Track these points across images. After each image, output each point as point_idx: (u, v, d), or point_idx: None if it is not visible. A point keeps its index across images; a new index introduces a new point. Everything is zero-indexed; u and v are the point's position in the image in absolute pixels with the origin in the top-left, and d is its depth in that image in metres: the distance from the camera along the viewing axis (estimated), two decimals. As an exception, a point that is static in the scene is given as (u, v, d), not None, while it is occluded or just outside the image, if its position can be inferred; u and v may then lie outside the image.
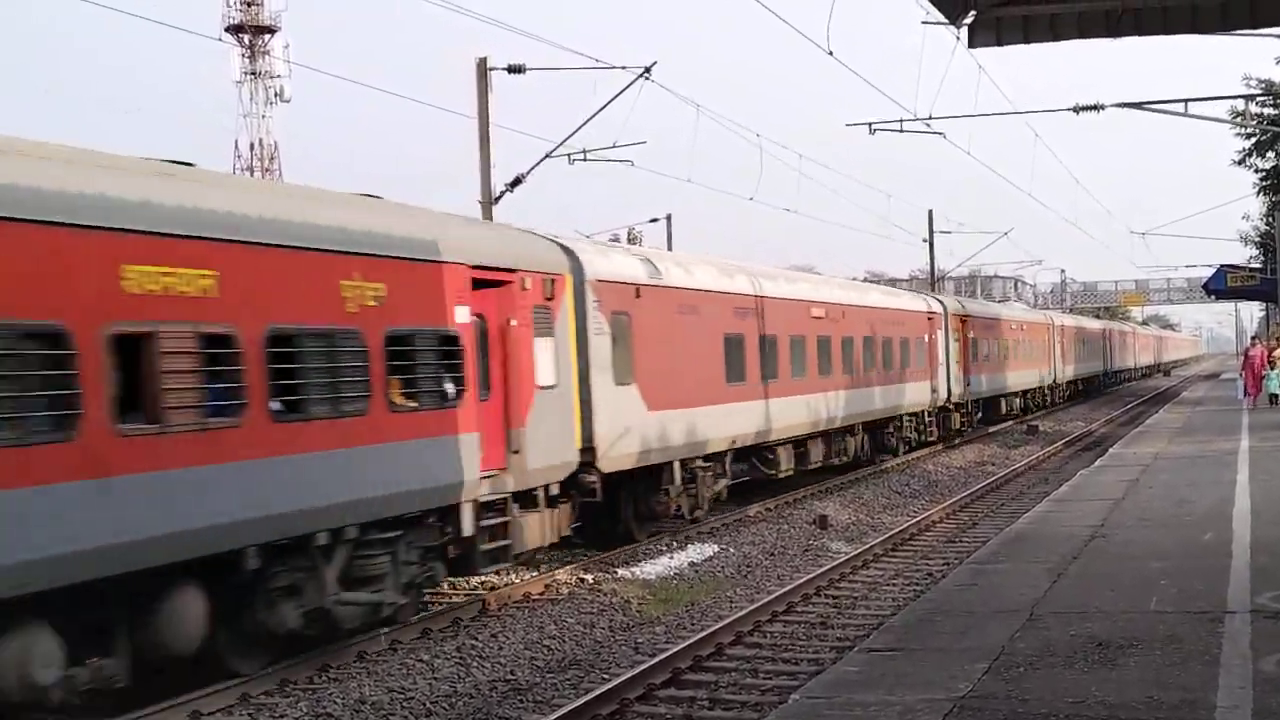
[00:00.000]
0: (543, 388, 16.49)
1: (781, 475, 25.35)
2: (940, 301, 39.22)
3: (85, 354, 9.87)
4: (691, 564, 18.82)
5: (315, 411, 12.25)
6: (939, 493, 27.97)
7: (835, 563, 18.23)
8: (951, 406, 38.05)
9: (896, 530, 21.31)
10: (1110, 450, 29.27)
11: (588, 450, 17.79)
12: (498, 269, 15.63)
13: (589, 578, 17.49)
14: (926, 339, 35.81)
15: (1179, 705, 8.11)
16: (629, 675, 12.02)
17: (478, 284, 15.05)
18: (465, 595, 16.43)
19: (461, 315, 14.63)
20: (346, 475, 12.56)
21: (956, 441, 38.74)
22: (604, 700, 11.30)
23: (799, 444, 26.08)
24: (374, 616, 13.37)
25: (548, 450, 16.55)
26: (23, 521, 9.33)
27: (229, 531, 11.16)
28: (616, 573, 17.94)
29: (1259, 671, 8.77)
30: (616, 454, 18.56)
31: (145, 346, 10.47)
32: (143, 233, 10.51)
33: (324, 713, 11.49)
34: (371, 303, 13.01)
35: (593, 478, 17.89)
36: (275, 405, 11.76)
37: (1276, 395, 38.93)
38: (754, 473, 24.47)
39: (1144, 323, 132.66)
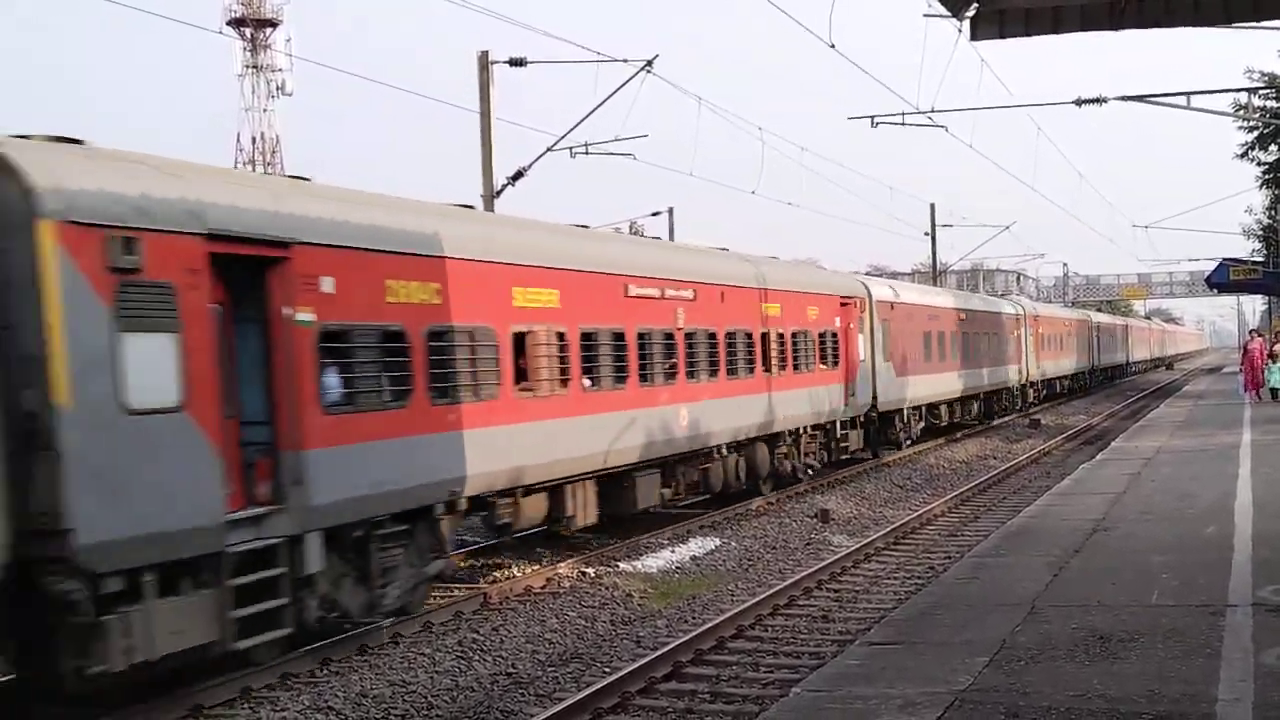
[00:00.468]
0: (860, 361, 28.65)
1: (943, 424, 38.12)
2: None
3: (502, 345, 15.49)
4: (693, 557, 18.82)
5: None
6: (941, 486, 27.97)
7: (837, 556, 18.23)
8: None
9: (898, 524, 21.30)
10: (1112, 444, 29.25)
11: (874, 399, 29.84)
12: (847, 297, 28.57)
13: (590, 571, 17.49)
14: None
15: (1180, 698, 8.10)
16: (630, 669, 12.03)
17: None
18: (466, 589, 16.44)
19: (836, 322, 27.62)
20: (814, 399, 26.06)
21: (959, 435, 38.75)
22: (605, 694, 11.31)
23: (932, 408, 36.50)
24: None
25: (861, 397, 28.95)
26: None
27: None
28: (618, 566, 17.94)
29: (1260, 665, 8.76)
30: (885, 401, 30.88)
31: (527, 340, 16.24)
32: (522, 265, 16.18)
33: (325, 706, 11.49)
34: (813, 316, 26.51)
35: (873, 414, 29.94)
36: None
37: (1278, 389, 38.80)
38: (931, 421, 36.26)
39: (1146, 316, 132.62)
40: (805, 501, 24.62)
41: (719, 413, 21.84)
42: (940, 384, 37.43)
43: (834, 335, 27.79)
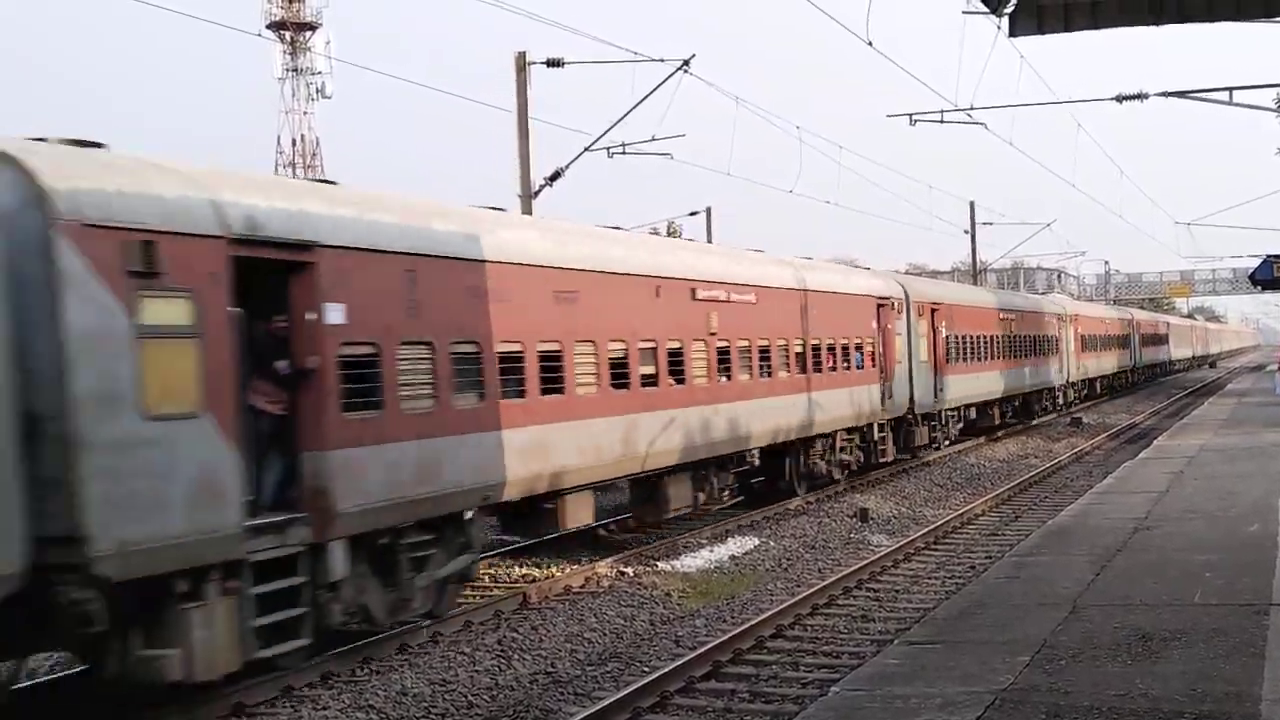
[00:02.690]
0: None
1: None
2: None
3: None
4: (731, 557, 18.81)
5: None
6: (981, 485, 27.83)
7: (876, 556, 18.17)
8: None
9: (938, 523, 21.22)
10: (1155, 442, 29.05)
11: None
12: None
13: (629, 571, 17.50)
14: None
15: (1223, 698, 8.04)
16: (669, 668, 12.02)
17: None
18: (506, 589, 16.49)
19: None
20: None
21: (999, 434, 38.51)
22: (644, 693, 11.31)
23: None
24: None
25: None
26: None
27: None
28: (656, 566, 17.95)
29: (1305, 664, 8.68)
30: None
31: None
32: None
33: (366, 704, 11.55)
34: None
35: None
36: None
37: None
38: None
39: (1189, 315, 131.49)
40: (844, 501, 24.56)
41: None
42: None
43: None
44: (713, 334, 20.15)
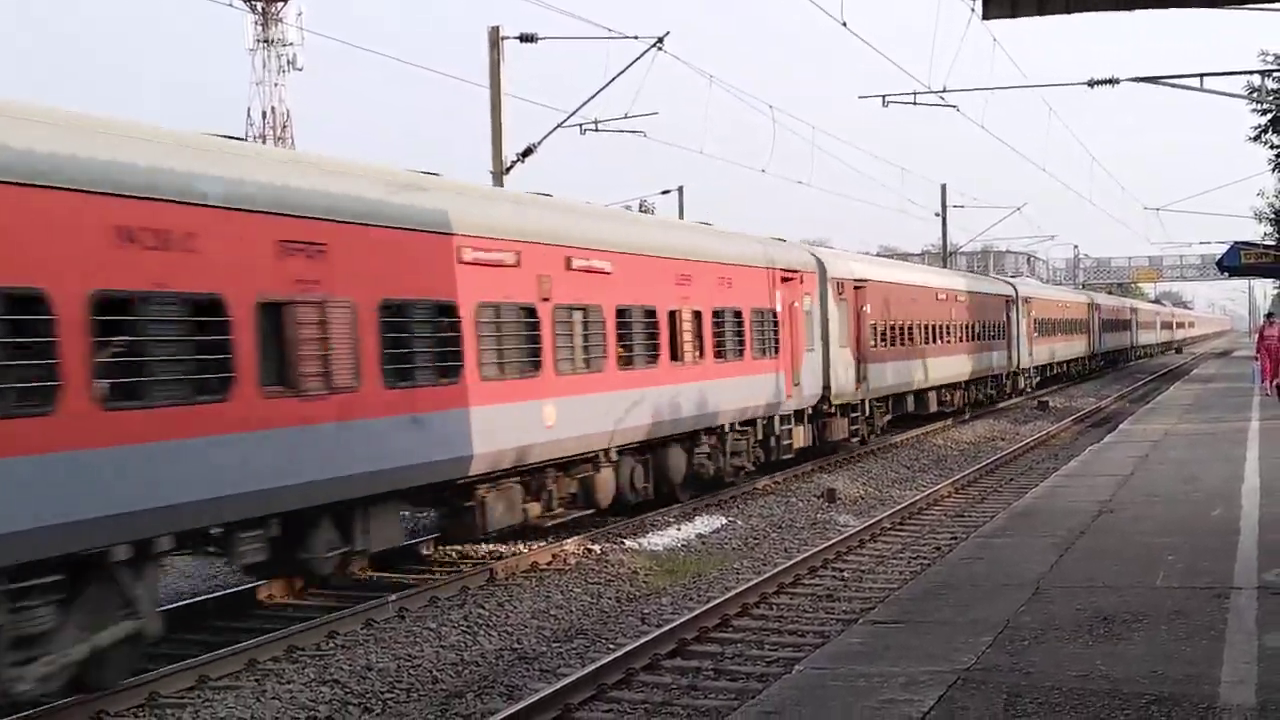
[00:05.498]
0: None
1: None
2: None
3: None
4: (699, 535, 18.85)
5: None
6: (948, 467, 27.97)
7: (842, 536, 18.25)
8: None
9: (904, 504, 21.31)
10: (1120, 426, 29.23)
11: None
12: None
13: (596, 548, 17.52)
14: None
15: (1183, 680, 8.10)
16: (635, 645, 12.04)
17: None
18: (473, 564, 16.48)
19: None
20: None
21: (966, 416, 38.68)
22: (610, 669, 11.33)
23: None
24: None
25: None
26: None
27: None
28: (624, 544, 17.98)
29: (1264, 647, 8.76)
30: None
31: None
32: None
33: (331, 679, 11.54)
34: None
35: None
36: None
37: None
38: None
39: (1156, 300, 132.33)
40: (812, 481, 24.64)
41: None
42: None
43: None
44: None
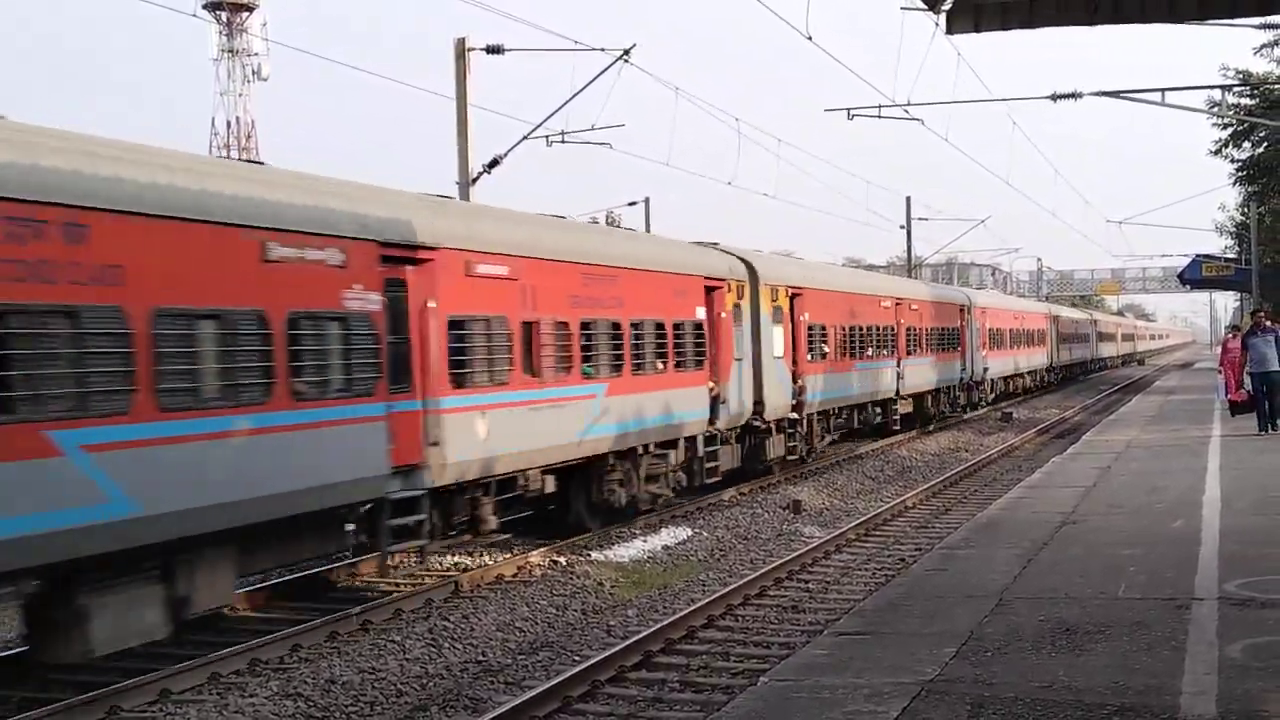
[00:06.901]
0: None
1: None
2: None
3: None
4: (665, 547, 18.85)
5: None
6: (912, 479, 28.07)
7: (808, 547, 18.28)
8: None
9: (869, 515, 21.37)
10: (1083, 437, 29.40)
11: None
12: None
13: (562, 560, 17.49)
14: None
15: (1144, 690, 8.15)
16: (600, 657, 12.03)
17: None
18: (438, 577, 16.42)
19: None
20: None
21: (931, 427, 38.83)
22: (575, 682, 11.31)
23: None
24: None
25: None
26: None
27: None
28: (589, 555, 17.95)
29: (1224, 658, 8.82)
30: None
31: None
32: None
33: (294, 692, 11.46)
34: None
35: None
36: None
37: None
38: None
39: (1119, 312, 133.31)
40: (777, 493, 24.67)
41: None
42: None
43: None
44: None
